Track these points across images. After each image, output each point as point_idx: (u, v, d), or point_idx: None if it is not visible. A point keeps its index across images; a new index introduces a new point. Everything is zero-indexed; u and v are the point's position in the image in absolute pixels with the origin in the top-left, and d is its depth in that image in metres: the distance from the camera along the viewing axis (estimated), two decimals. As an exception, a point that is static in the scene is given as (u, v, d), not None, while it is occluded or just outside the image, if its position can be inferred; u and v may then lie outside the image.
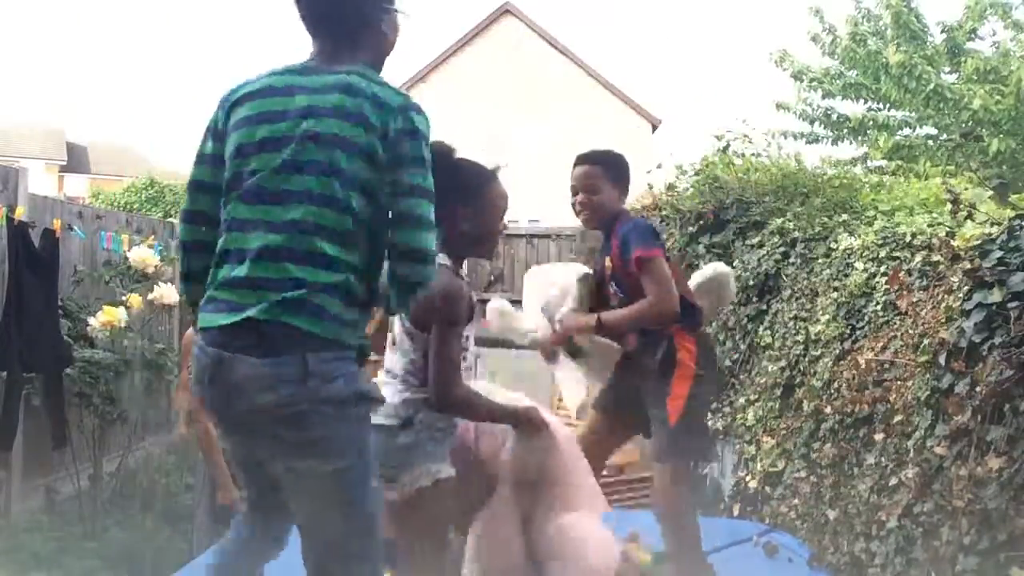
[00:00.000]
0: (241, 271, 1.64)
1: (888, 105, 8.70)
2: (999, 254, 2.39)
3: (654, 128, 19.44)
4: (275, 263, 1.62)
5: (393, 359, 2.10)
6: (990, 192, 3.19)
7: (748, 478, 3.82)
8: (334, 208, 1.62)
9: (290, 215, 1.62)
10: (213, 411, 1.74)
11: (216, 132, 1.77)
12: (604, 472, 3.45)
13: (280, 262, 1.61)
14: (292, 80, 1.72)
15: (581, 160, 2.73)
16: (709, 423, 4.38)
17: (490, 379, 3.85)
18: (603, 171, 2.69)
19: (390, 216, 1.68)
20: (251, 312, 1.59)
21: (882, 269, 3.41)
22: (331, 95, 1.66)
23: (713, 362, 2.85)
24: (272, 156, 1.66)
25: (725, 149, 6.11)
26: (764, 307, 4.36)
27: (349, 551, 1.69)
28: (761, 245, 4.58)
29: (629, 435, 2.98)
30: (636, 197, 6.45)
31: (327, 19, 1.76)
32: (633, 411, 2.76)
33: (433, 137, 1.78)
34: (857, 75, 8.79)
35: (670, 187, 6.01)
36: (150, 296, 4.61)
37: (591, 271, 2.85)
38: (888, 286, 3.22)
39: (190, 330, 4.27)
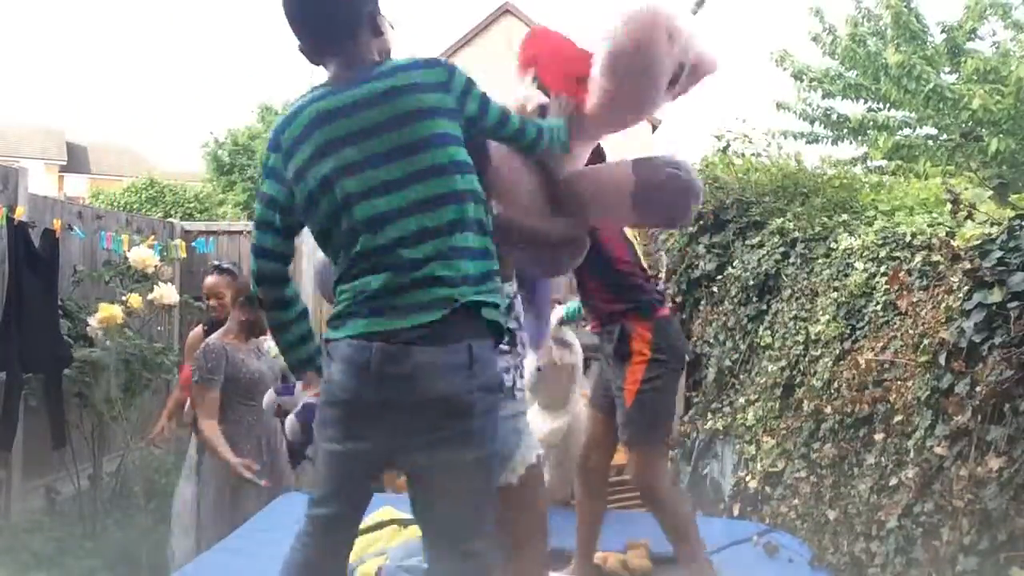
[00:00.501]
0: None
1: (888, 105, 8.69)
2: (999, 254, 2.38)
3: (654, 128, 19.41)
4: None
5: None
6: (990, 192, 3.19)
7: (748, 478, 3.81)
8: None
9: None
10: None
11: None
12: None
13: None
14: None
15: None
16: (709, 422, 4.40)
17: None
18: None
19: None
20: None
21: (882, 269, 3.40)
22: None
23: (675, 346, 2.78)
24: None
25: (725, 149, 6.10)
26: (764, 307, 4.35)
27: (480, 531, 1.79)
28: (761, 245, 4.58)
29: None
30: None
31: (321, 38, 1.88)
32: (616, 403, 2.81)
33: None
34: (857, 75, 8.78)
35: (670, 187, 5.99)
36: (150, 296, 4.62)
37: None
38: (888, 286, 3.22)
39: (194, 330, 4.29)
